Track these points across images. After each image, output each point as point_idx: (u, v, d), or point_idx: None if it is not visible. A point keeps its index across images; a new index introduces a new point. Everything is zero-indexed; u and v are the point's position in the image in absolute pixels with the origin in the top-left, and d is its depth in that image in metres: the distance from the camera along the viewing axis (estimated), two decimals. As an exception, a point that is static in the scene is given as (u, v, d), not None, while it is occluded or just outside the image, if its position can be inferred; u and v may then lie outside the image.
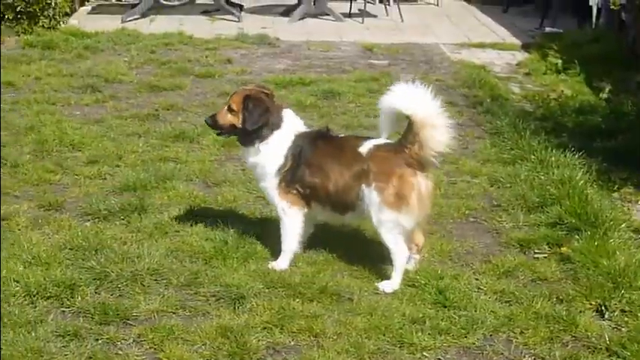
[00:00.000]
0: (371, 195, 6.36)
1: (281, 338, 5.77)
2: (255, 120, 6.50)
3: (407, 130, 6.35)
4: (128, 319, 5.96)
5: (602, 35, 13.81)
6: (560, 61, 12.83)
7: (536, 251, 7.05)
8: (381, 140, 6.59)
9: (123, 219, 7.42)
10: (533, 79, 12.57)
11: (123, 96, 11.13)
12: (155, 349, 5.66)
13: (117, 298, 6.19)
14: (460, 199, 8.05)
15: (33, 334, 5.69)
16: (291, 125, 6.64)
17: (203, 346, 5.67)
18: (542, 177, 8.32)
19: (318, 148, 6.58)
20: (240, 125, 6.55)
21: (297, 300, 6.18)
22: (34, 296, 6.13)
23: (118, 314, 5.98)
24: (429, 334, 5.82)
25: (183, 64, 12.65)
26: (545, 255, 6.99)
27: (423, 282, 6.42)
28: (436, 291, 6.29)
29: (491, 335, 5.87)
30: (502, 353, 5.71)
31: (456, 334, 5.84)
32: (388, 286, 6.40)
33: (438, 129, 6.28)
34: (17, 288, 6.20)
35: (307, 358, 5.54)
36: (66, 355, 5.52)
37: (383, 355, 5.62)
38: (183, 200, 7.81)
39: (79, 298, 6.16)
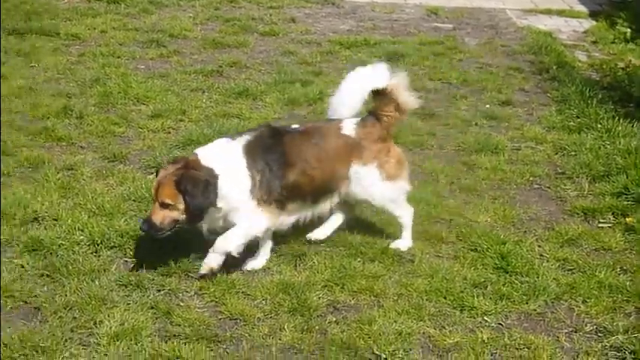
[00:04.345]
0: (370, 173, 6.21)
1: (341, 297, 5.78)
2: (204, 199, 5.74)
3: (380, 102, 6.25)
4: (189, 272, 6.01)
5: (674, 5, 13.54)
6: (628, 31, 12.60)
7: (600, 220, 6.97)
8: (353, 119, 6.32)
9: (186, 173, 7.44)
10: (600, 47, 12.37)
11: (187, 52, 11.14)
12: (216, 302, 5.71)
13: (179, 251, 6.23)
14: (524, 165, 7.97)
15: (96, 283, 5.78)
16: (227, 149, 5.98)
17: (263, 301, 5.70)
18: (608, 146, 8.22)
19: (291, 144, 6.08)
20: (183, 215, 5.77)
21: (358, 260, 6.19)
22: (98, 245, 6.20)
23: (179, 266, 6.02)
24: (490, 298, 5.80)
25: (247, 21, 12.63)
26: (610, 225, 6.91)
27: (485, 247, 6.38)
28: (498, 256, 6.25)
29: (552, 302, 5.83)
30: (563, 321, 5.66)
31: (517, 299, 5.81)
32: (403, 244, 6.39)
33: (408, 92, 6.31)
34: (82, 237, 6.28)
35: (367, 317, 5.54)
36: (128, 303, 5.59)
37: (443, 318, 5.60)
38: (246, 157, 7.82)
39: (142, 250, 6.21)
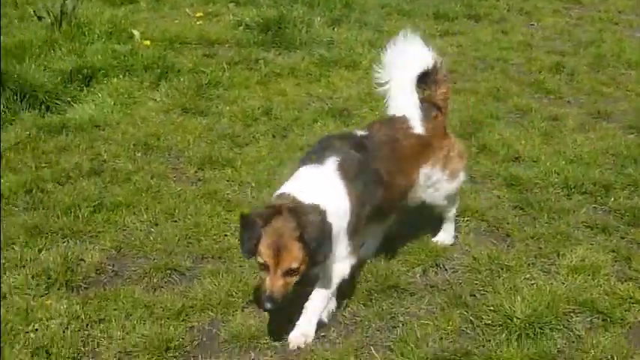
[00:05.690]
0: (436, 174, 5.56)
1: None
2: (328, 247, 4.68)
3: (433, 85, 5.60)
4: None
5: None
6: None
7: None
8: (416, 112, 5.46)
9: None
10: None
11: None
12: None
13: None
14: None
15: (565, 221, 6.17)
16: (320, 179, 4.89)
17: None
18: None
19: (378, 158, 5.18)
20: (300, 274, 4.69)
21: None
22: (571, 189, 6.58)
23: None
24: None
25: None
26: None
27: None
28: None
29: None
30: None
31: None
32: (447, 238, 5.95)
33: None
34: (557, 179, 6.72)
35: None
36: (591, 244, 5.92)
37: None
38: None
39: (612, 199, 6.50)
